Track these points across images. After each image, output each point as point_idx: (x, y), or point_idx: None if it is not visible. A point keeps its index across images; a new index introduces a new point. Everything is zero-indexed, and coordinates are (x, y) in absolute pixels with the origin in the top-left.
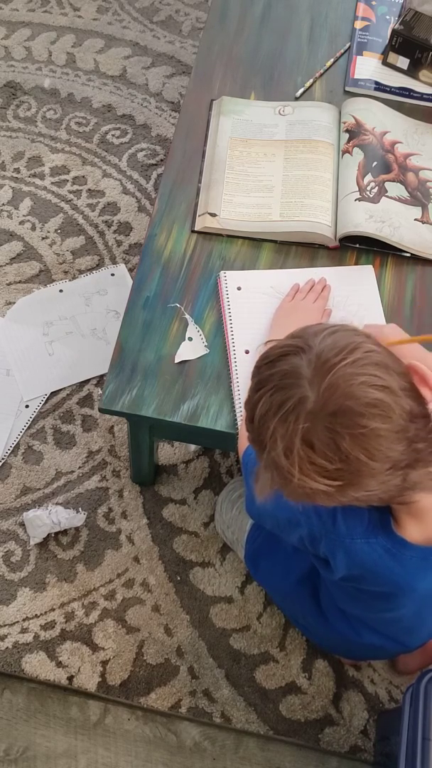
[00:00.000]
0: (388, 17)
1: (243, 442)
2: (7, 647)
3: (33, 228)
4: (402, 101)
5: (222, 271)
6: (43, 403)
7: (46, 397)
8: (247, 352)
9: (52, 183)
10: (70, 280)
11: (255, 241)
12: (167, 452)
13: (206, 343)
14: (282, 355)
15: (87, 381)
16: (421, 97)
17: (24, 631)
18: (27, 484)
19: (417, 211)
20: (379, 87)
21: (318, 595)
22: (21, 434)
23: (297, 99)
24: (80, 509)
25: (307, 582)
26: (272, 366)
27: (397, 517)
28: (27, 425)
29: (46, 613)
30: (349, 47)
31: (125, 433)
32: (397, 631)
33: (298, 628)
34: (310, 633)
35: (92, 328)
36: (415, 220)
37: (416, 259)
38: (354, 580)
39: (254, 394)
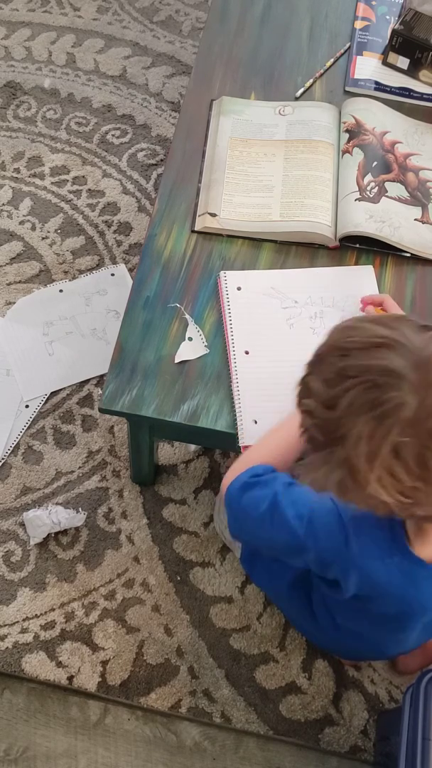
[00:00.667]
0: (388, 17)
1: (232, 475)
2: (7, 647)
3: (33, 228)
4: (402, 101)
5: (222, 271)
6: (43, 403)
7: (46, 397)
8: (247, 352)
9: (52, 183)
10: (70, 280)
11: (255, 241)
12: (167, 452)
13: (206, 343)
14: (377, 346)
15: (87, 381)
16: (421, 97)
17: (24, 631)
18: (27, 484)
19: (417, 211)
20: (379, 87)
21: (311, 602)
22: (21, 434)
23: (297, 99)
24: (80, 509)
25: (299, 589)
26: (367, 356)
27: (412, 535)
28: (27, 425)
29: (46, 613)
30: (349, 47)
31: (125, 433)
32: (394, 644)
33: (296, 628)
34: (308, 634)
35: (92, 328)
36: (415, 220)
37: (416, 259)
38: (363, 600)
39: (338, 380)
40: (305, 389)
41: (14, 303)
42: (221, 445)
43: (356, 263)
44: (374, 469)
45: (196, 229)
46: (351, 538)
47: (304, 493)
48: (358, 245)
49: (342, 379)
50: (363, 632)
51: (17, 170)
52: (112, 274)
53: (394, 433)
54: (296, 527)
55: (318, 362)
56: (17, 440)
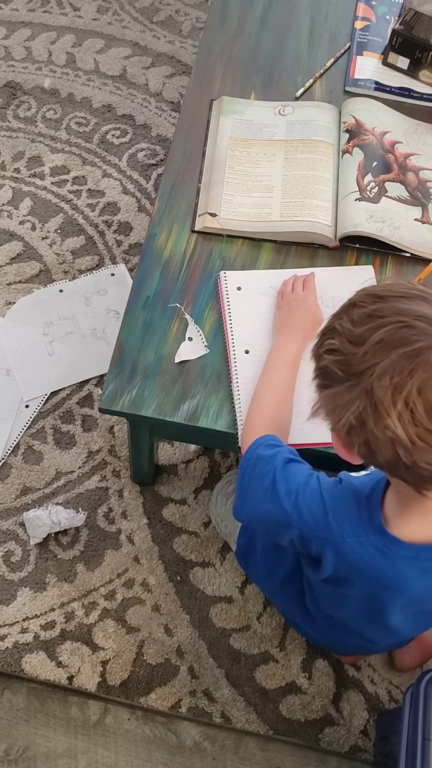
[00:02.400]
0: (388, 17)
1: (249, 437)
2: (7, 647)
3: (33, 228)
4: (402, 101)
5: (222, 271)
6: (43, 403)
7: (46, 397)
8: (247, 352)
9: (52, 183)
10: (70, 280)
11: (255, 241)
12: (167, 452)
13: (206, 343)
14: (411, 297)
15: (87, 381)
16: (421, 97)
17: (24, 631)
18: (27, 484)
19: (417, 211)
20: (379, 87)
21: (304, 597)
22: (21, 434)
23: (297, 99)
24: (80, 509)
25: (292, 583)
26: (403, 301)
27: (391, 514)
28: (27, 425)
29: (46, 613)
30: (349, 47)
31: (125, 433)
32: (382, 634)
33: (289, 622)
34: (300, 629)
35: (92, 328)
36: (415, 220)
37: (416, 259)
38: (338, 582)
39: (369, 319)
40: (330, 332)
41: (14, 303)
42: (221, 445)
43: (356, 263)
44: (397, 403)
45: (196, 229)
46: (329, 516)
47: (298, 471)
48: (358, 245)
49: (374, 319)
50: (348, 621)
51: (17, 170)
52: (112, 274)
53: (422, 371)
54: (285, 503)
55: (349, 307)
56: (17, 440)
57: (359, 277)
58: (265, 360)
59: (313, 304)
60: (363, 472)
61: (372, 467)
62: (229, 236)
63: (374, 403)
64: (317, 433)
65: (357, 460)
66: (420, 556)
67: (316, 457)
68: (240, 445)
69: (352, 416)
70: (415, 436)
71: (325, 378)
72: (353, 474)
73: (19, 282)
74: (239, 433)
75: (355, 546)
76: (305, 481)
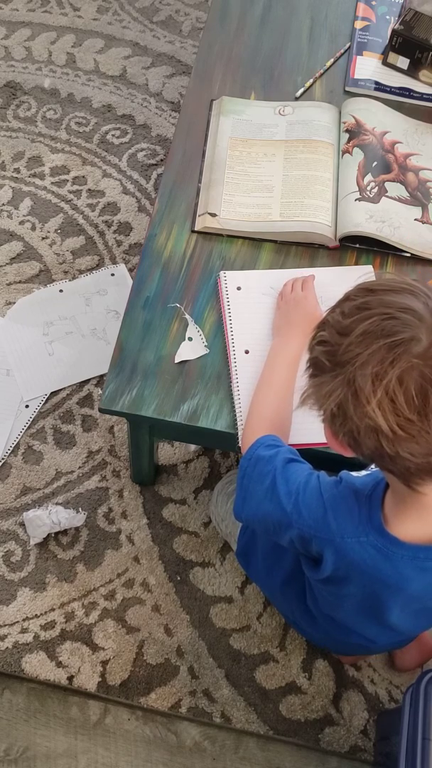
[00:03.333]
0: (388, 17)
1: (249, 437)
2: (7, 647)
3: (33, 228)
4: (402, 101)
5: (222, 271)
6: (43, 403)
7: (46, 397)
8: (247, 352)
9: (52, 183)
10: (70, 280)
11: (255, 241)
12: (167, 452)
13: (206, 343)
14: (399, 290)
15: (87, 381)
16: (421, 97)
17: (24, 631)
18: (27, 484)
19: (417, 211)
20: (379, 87)
21: (305, 596)
22: (21, 434)
23: (297, 99)
24: (80, 509)
25: (293, 583)
26: (390, 294)
27: (391, 513)
28: (27, 425)
29: (46, 613)
30: (349, 47)
31: (125, 433)
32: (382, 633)
33: (290, 623)
34: (301, 629)
35: (92, 328)
36: (415, 220)
37: (416, 259)
38: (338, 582)
39: (357, 311)
40: (322, 324)
41: (14, 303)
42: (221, 445)
43: (356, 263)
44: (377, 391)
45: (196, 229)
46: (329, 516)
47: (298, 471)
48: (358, 245)
49: (361, 311)
50: (348, 621)
51: (17, 170)
52: (112, 274)
53: (403, 361)
54: (285, 503)
55: (342, 300)
56: (17, 440)
57: (359, 277)
58: (264, 360)
59: (312, 304)
60: (364, 472)
61: (372, 466)
62: (229, 236)
63: (355, 391)
64: (317, 433)
65: (348, 452)
66: (419, 556)
67: (316, 457)
68: (240, 444)
69: (333, 404)
70: (395, 425)
71: (315, 368)
72: (354, 473)
73: (19, 282)
74: (239, 433)
75: (354, 546)
76: (305, 480)
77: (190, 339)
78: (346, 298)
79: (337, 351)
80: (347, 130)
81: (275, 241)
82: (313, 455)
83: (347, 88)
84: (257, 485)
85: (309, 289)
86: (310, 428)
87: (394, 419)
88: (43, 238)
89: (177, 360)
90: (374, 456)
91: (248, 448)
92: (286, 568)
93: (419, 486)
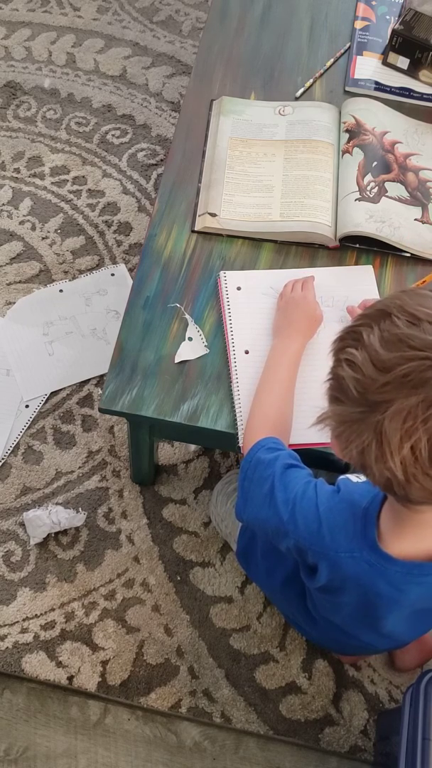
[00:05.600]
0: (388, 17)
1: (251, 439)
2: (7, 647)
3: (33, 228)
4: (402, 101)
5: (222, 271)
6: (43, 403)
7: (46, 397)
8: (247, 352)
9: (52, 183)
10: (70, 280)
11: (255, 241)
12: (167, 452)
13: (206, 343)
14: None
15: (87, 381)
16: (421, 97)
17: (24, 631)
18: (27, 484)
19: (417, 211)
20: (379, 87)
21: (305, 597)
22: (21, 434)
23: (297, 99)
24: (80, 509)
25: (293, 584)
26: None
27: (386, 529)
28: (27, 425)
29: (46, 613)
30: (349, 47)
31: (125, 433)
32: (379, 639)
33: (290, 623)
34: (301, 629)
35: (92, 328)
36: (415, 220)
37: (416, 259)
38: (333, 591)
39: (399, 346)
40: (355, 336)
41: (14, 303)
42: (221, 445)
43: (356, 263)
44: (403, 446)
45: (196, 229)
46: (324, 529)
47: (297, 478)
48: (358, 245)
49: (403, 346)
50: (344, 626)
51: (17, 170)
52: (112, 274)
53: None
54: (282, 512)
55: (380, 317)
56: (17, 440)
57: (359, 277)
58: (265, 360)
59: (311, 304)
60: (363, 477)
61: None
62: (229, 236)
63: (381, 442)
64: (317, 433)
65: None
66: (414, 572)
67: (316, 457)
68: (240, 445)
69: (356, 449)
70: (412, 476)
71: (338, 390)
72: (353, 478)
73: (19, 282)
74: (239, 433)
75: (348, 561)
76: (303, 490)
77: (190, 339)
78: (386, 315)
79: (369, 387)
80: (347, 130)
81: (275, 241)
82: (313, 455)
83: (347, 88)
84: (257, 489)
85: (309, 289)
86: (309, 429)
87: (413, 472)
88: (43, 238)
89: (177, 360)
90: (379, 485)
91: (249, 450)
92: (286, 569)
93: (419, 508)
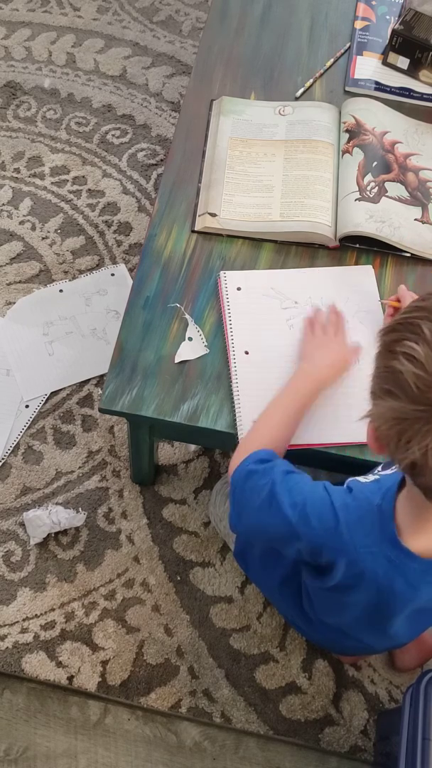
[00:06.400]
0: (388, 17)
1: (242, 453)
2: (7, 647)
3: (33, 228)
4: (402, 101)
5: (222, 271)
6: (43, 403)
7: (46, 397)
8: (246, 352)
9: (52, 183)
10: (70, 280)
11: (255, 241)
12: (167, 452)
13: (206, 343)
14: None
15: (87, 381)
16: (421, 97)
17: (24, 631)
18: (27, 484)
19: (417, 211)
20: (379, 87)
21: (301, 598)
22: (21, 434)
23: (297, 99)
24: (80, 509)
25: (290, 584)
26: None
27: (404, 525)
28: (27, 425)
29: (46, 613)
30: (349, 47)
31: (125, 433)
32: (379, 640)
33: (289, 623)
34: (300, 629)
35: (92, 328)
36: (415, 220)
37: (416, 259)
38: (343, 590)
39: None
40: (413, 329)
41: (14, 303)
42: (221, 445)
43: (356, 263)
44: None
45: (196, 229)
46: (341, 526)
47: (300, 482)
48: (358, 245)
49: None
50: (345, 628)
51: (17, 170)
52: (112, 274)
53: None
54: (290, 515)
55: None
56: (17, 440)
57: (359, 277)
58: (264, 360)
59: (342, 350)
60: (371, 477)
61: (378, 469)
62: (229, 236)
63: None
64: (317, 434)
65: (382, 452)
66: (431, 570)
67: (316, 457)
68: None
69: (419, 450)
70: None
71: (394, 384)
72: (360, 479)
73: (19, 282)
74: (239, 434)
75: (367, 557)
76: (311, 490)
77: (190, 339)
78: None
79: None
80: (347, 130)
81: (275, 241)
82: (313, 455)
83: (347, 88)
84: (253, 498)
85: (340, 333)
86: (310, 429)
87: None
88: (43, 238)
89: (177, 360)
90: (412, 474)
91: (240, 463)
92: (283, 570)
93: None
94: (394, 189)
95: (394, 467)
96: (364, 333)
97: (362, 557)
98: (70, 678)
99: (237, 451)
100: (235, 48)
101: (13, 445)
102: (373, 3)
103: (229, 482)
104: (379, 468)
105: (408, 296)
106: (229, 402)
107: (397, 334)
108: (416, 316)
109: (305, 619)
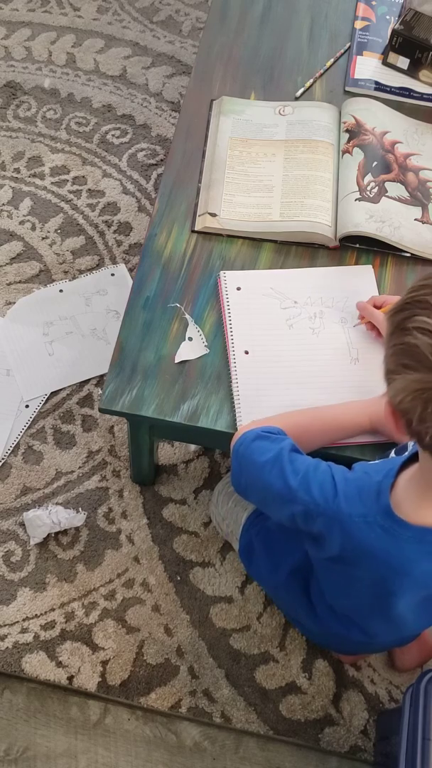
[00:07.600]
0: (388, 17)
1: (243, 430)
2: (7, 647)
3: (33, 228)
4: (402, 101)
5: (222, 271)
6: (43, 403)
7: (46, 397)
8: (246, 352)
9: (52, 183)
10: (70, 280)
11: (255, 241)
12: (167, 452)
13: (206, 343)
14: None
15: (87, 381)
16: (421, 97)
17: (24, 631)
18: (27, 484)
19: (417, 211)
20: (379, 87)
21: (308, 590)
22: (21, 434)
23: (297, 99)
24: (80, 509)
25: (298, 576)
26: None
27: (405, 496)
28: (27, 425)
29: (46, 613)
30: (349, 47)
31: (125, 433)
32: (385, 627)
33: (290, 621)
34: (302, 627)
35: (92, 328)
36: (415, 220)
37: (416, 259)
38: (347, 562)
39: None
40: (422, 305)
41: (14, 303)
42: (221, 445)
43: (356, 263)
44: None
45: (196, 229)
46: (340, 497)
47: (306, 459)
48: (358, 245)
49: None
50: (352, 611)
51: (17, 170)
52: (112, 274)
53: None
54: (291, 479)
55: None
56: (17, 440)
57: (359, 277)
58: (264, 360)
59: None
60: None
61: (392, 453)
62: (229, 236)
63: None
64: None
65: (401, 430)
66: (426, 539)
67: (318, 457)
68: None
69: None
70: None
71: (411, 357)
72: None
73: (19, 282)
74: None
75: (362, 525)
76: (315, 464)
77: (190, 339)
78: None
79: None
80: (347, 130)
81: (275, 241)
82: (312, 455)
83: (347, 88)
84: (257, 456)
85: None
86: None
87: None
88: (43, 238)
89: (177, 360)
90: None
91: (249, 429)
92: (293, 560)
93: None
94: (394, 189)
95: (410, 447)
96: (364, 333)
97: (356, 526)
98: (70, 678)
99: (246, 426)
100: (235, 48)
101: (13, 445)
102: (373, 3)
103: (230, 482)
104: (392, 453)
105: (388, 299)
106: (229, 402)
107: (407, 312)
108: (423, 293)
109: (311, 614)
